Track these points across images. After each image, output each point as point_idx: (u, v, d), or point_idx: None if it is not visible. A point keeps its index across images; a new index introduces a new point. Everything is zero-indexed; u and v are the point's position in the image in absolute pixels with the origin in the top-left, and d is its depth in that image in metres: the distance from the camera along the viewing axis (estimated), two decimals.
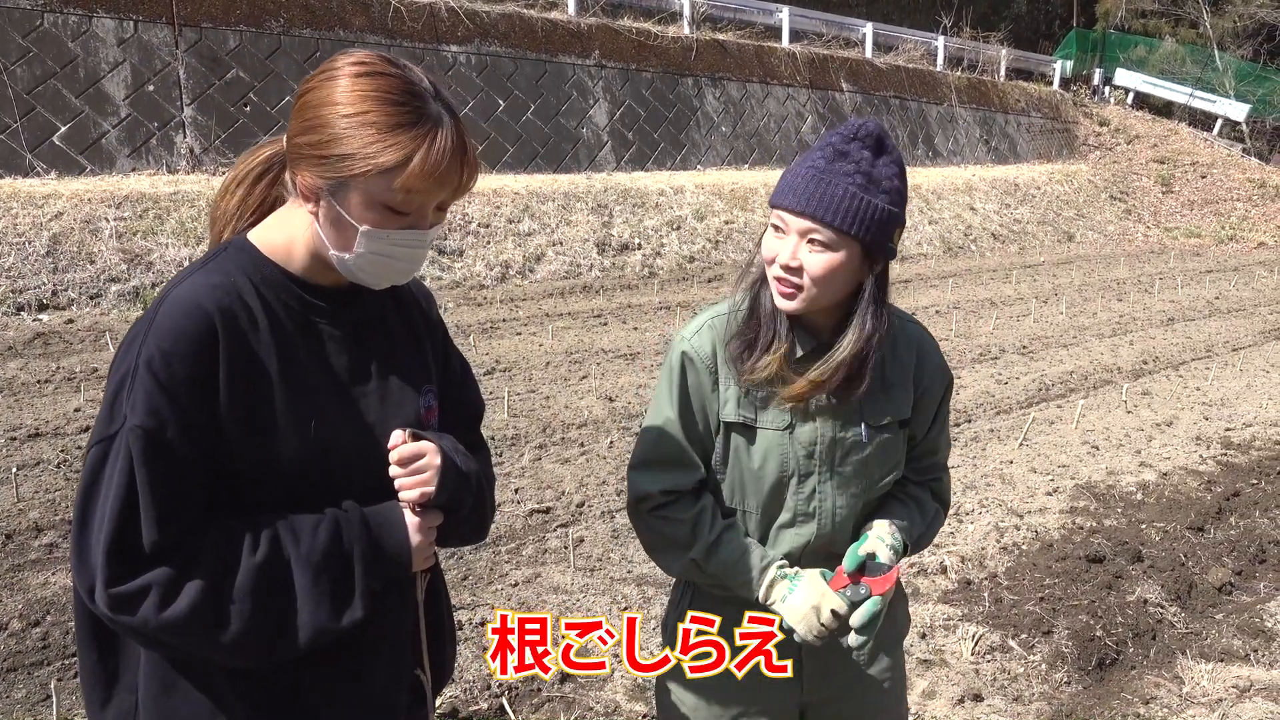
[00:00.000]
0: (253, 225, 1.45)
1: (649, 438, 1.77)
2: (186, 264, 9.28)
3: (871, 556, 1.69)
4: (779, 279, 1.64)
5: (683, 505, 1.74)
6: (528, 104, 14.03)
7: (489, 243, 11.54)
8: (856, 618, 1.65)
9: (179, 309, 1.30)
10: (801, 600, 1.68)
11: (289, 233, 1.39)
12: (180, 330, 1.28)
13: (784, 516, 1.75)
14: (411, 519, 1.40)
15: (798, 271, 1.61)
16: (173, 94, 10.85)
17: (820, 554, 1.76)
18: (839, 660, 1.82)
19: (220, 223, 1.48)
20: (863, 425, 1.74)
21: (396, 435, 1.40)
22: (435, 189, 1.30)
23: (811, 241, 1.60)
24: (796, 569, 1.74)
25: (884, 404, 1.75)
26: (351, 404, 1.42)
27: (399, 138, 1.26)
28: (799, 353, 1.70)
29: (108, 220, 9.33)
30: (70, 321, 8.18)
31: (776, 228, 1.65)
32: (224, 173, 10.76)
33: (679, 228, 13.57)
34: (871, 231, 1.60)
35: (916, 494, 1.88)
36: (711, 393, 1.72)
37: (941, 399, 1.85)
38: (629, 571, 4.44)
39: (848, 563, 1.69)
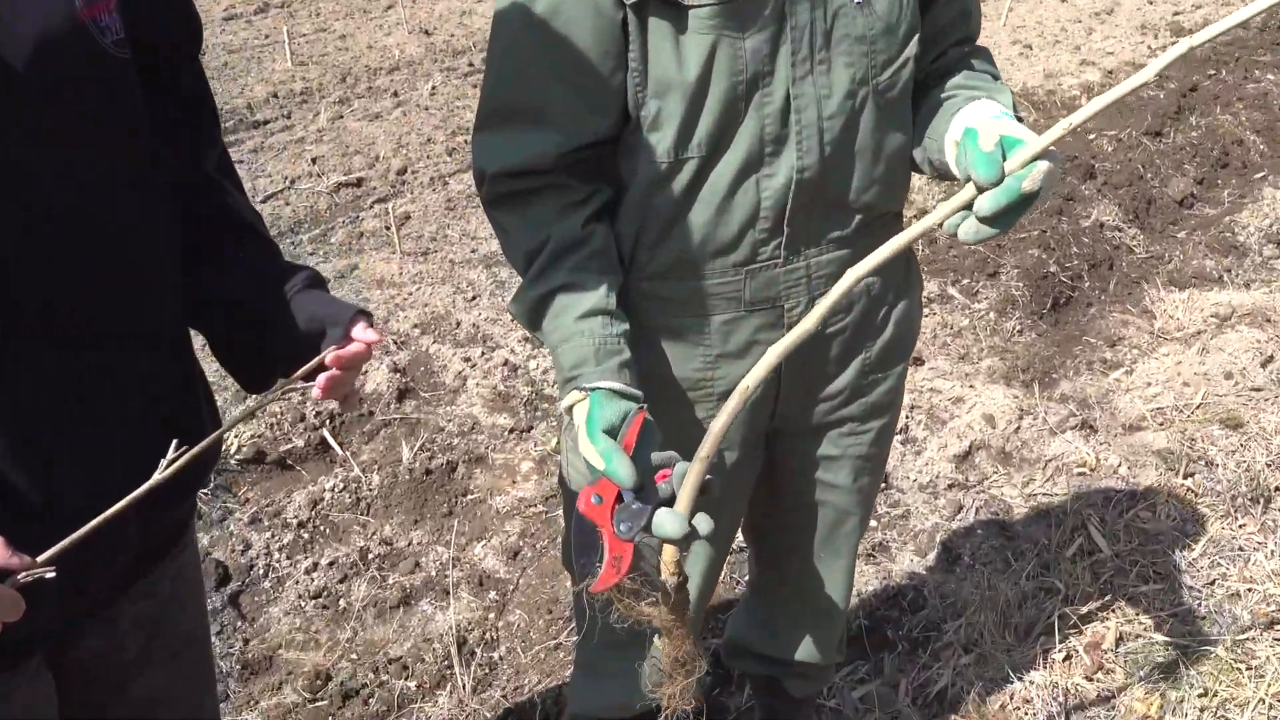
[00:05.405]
0: None
1: (487, 82, 1.20)
2: None
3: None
4: None
5: (539, 202, 1.16)
6: None
7: None
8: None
9: None
10: (573, 447, 1.22)
11: None
12: None
13: (743, 148, 1.14)
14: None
15: None
16: None
17: (815, 203, 1.17)
18: (820, 382, 1.35)
19: None
20: None
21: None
22: None
23: None
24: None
25: None
26: None
27: None
28: None
29: None
30: None
31: None
32: None
33: None
34: None
35: (967, 76, 1.23)
36: None
37: None
38: (473, 251, 3.65)
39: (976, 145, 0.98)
